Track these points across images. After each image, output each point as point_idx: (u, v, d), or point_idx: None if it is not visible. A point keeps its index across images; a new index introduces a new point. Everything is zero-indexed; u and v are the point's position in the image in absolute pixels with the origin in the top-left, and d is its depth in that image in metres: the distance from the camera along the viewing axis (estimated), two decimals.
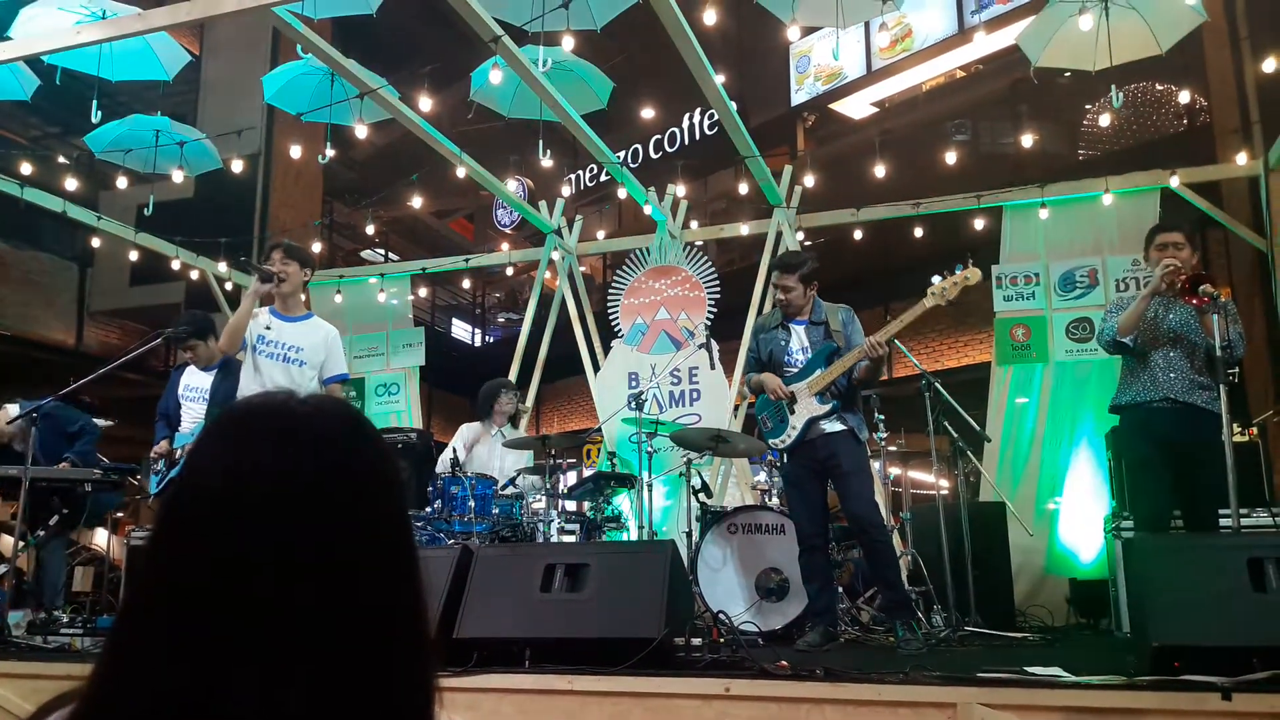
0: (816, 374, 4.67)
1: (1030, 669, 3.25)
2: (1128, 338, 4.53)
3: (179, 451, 5.50)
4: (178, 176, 7.80)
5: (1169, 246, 4.49)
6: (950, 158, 8.16)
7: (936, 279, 4.64)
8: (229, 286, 9.53)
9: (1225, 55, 7.85)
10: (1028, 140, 9.11)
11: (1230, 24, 7.68)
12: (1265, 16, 7.25)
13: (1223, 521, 4.36)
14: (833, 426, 4.67)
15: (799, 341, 4.82)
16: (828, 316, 4.83)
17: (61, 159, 8.79)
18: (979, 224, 7.69)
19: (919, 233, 8.07)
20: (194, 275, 9.48)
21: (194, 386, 5.69)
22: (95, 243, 9.18)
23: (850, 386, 4.76)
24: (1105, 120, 9.44)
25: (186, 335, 5.65)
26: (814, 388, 4.65)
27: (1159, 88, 10.93)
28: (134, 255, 9.00)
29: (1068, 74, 6.90)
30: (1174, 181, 6.99)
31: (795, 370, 4.77)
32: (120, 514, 7.30)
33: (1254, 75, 7.15)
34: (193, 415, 5.60)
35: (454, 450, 6.50)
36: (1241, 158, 7.07)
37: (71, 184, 7.98)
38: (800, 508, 4.82)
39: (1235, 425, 4.51)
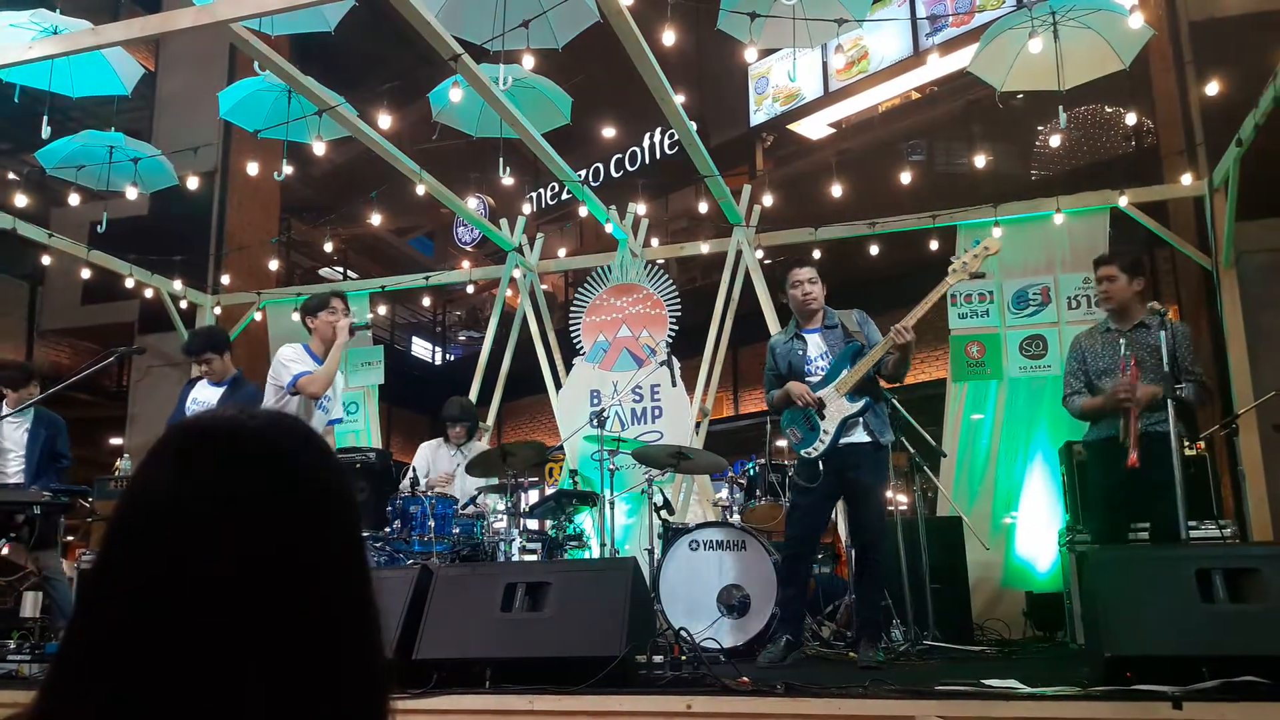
0: (844, 374, 4.59)
1: (987, 681, 3.30)
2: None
3: None
4: (132, 193, 7.69)
5: (1104, 280, 4.71)
6: (906, 177, 8.26)
7: (954, 258, 4.63)
8: (184, 305, 9.40)
9: (1170, 79, 8.04)
10: (981, 160, 9.26)
11: (1175, 48, 7.87)
12: (1208, 41, 7.44)
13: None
14: (857, 438, 4.60)
15: (816, 348, 4.75)
16: (841, 320, 4.78)
17: (12, 175, 8.65)
18: (934, 243, 7.81)
19: (875, 251, 8.17)
20: (148, 294, 9.35)
21: (202, 401, 5.71)
22: (46, 260, 9.03)
23: (877, 385, 4.70)
24: (1056, 141, 9.63)
25: (202, 349, 5.70)
26: (842, 388, 4.57)
27: (1108, 110, 11.17)
28: (86, 273, 8.86)
29: (1020, 95, 7.04)
30: (1123, 201, 7.15)
31: (818, 377, 4.68)
32: (70, 537, 7.15)
33: (1198, 99, 7.33)
34: None
35: (413, 470, 6.47)
36: (1187, 178, 7.24)
37: (22, 200, 7.85)
38: (802, 514, 4.77)
39: (1184, 440, 4.62)
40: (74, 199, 8.04)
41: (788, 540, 4.82)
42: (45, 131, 6.68)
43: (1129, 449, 4.25)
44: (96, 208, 8.31)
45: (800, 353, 4.76)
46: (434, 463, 6.66)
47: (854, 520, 4.71)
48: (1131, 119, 9.61)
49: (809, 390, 4.61)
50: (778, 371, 4.84)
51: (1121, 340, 4.60)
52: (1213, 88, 6.39)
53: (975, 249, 4.61)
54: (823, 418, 4.60)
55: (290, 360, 4.98)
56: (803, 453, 4.68)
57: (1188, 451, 5.21)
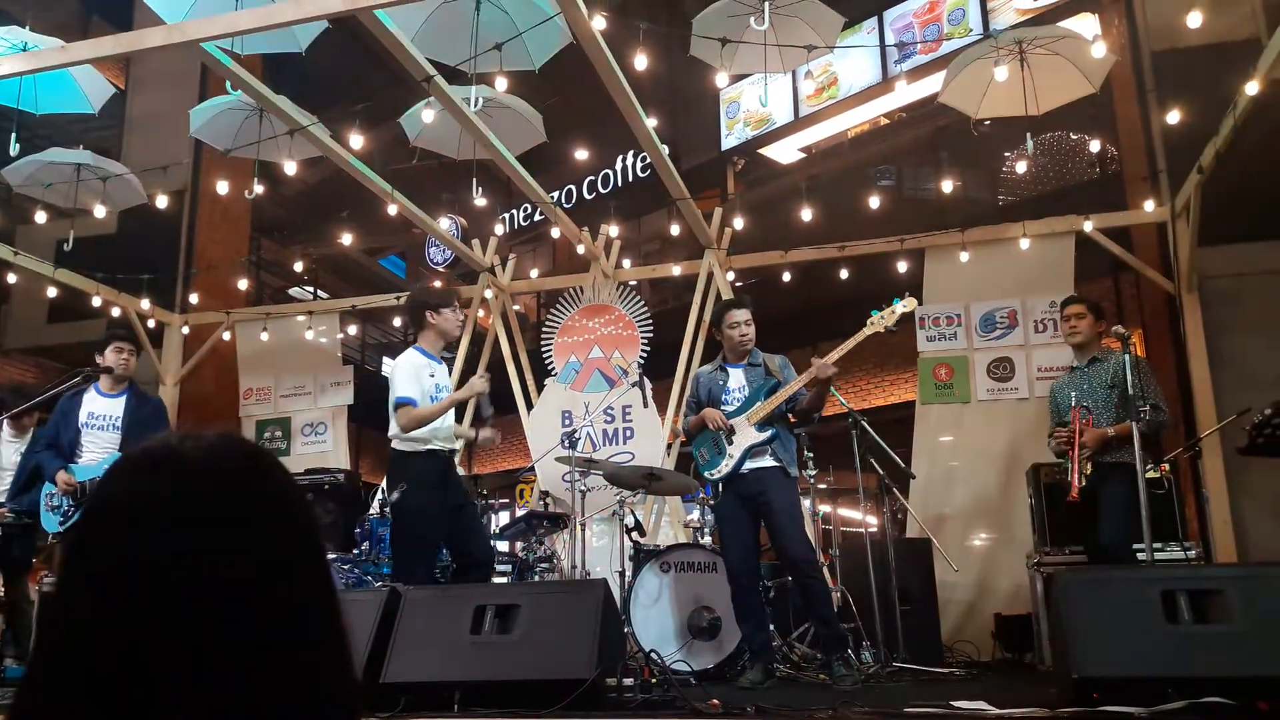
0: (756, 405, 4.81)
1: (956, 703, 3.31)
2: None
3: (88, 484, 5.29)
4: (99, 211, 7.61)
5: (1073, 317, 5.17)
6: (875, 202, 8.35)
7: (875, 312, 4.89)
8: (151, 324, 9.30)
9: (1134, 107, 8.20)
10: (949, 185, 9.38)
11: (1138, 78, 8.03)
12: (1170, 71, 7.59)
13: (1138, 556, 4.55)
14: (764, 463, 4.78)
15: (737, 381, 5.00)
16: (765, 361, 5.01)
17: None
18: (902, 266, 7.88)
19: (845, 274, 8.24)
20: (115, 312, 9.23)
21: (101, 414, 5.40)
22: (11, 278, 8.89)
23: (786, 421, 4.89)
24: (1022, 167, 9.78)
25: (128, 338, 5.56)
26: (754, 418, 4.79)
27: (1073, 137, 11.34)
28: (52, 291, 8.75)
29: (988, 122, 7.14)
30: (1087, 226, 7.26)
31: (734, 406, 4.91)
32: (34, 559, 7.03)
33: (1160, 126, 7.46)
34: (101, 444, 5.34)
35: (382, 493, 6.43)
36: (1149, 205, 7.37)
37: None
38: (732, 545, 4.88)
39: (1148, 462, 4.70)
40: (40, 217, 7.94)
41: (729, 578, 4.89)
42: (14, 149, 6.60)
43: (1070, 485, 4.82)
44: (63, 226, 8.19)
45: (721, 383, 5.02)
46: None
47: (778, 545, 4.78)
48: (1096, 146, 9.76)
49: (722, 416, 4.85)
50: (698, 399, 5.10)
51: (1084, 384, 5.05)
52: (1174, 116, 6.51)
53: (896, 306, 4.90)
54: (730, 443, 4.83)
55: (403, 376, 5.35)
56: (707, 474, 4.94)
57: (1151, 474, 5.33)
